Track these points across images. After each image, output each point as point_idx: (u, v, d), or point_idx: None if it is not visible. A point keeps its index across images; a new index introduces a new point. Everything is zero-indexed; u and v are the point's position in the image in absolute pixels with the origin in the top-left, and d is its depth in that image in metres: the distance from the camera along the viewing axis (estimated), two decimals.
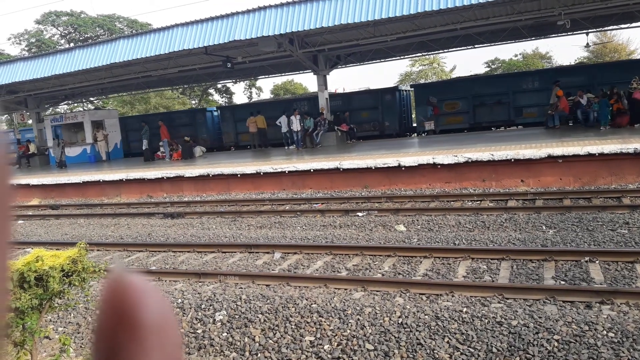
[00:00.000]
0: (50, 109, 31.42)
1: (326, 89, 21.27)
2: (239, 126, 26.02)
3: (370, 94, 25.06)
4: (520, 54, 44.55)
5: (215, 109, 30.12)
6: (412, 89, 25.67)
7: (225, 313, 5.68)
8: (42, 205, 16.61)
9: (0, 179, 0.23)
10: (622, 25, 19.99)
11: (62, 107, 36.80)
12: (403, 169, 12.71)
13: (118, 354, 0.23)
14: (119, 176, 16.42)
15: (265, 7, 14.60)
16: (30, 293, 4.61)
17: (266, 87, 73.16)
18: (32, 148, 26.65)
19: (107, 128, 25.51)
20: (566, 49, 54.15)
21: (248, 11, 14.81)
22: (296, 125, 20.16)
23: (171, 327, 0.24)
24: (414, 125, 25.24)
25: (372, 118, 23.70)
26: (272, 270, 7.32)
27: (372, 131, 23.40)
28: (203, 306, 5.88)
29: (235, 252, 8.42)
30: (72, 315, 6.13)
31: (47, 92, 24.72)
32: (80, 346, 5.69)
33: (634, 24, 19.19)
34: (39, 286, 4.67)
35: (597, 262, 6.24)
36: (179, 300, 6.07)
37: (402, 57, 24.50)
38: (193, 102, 47.33)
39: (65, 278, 4.89)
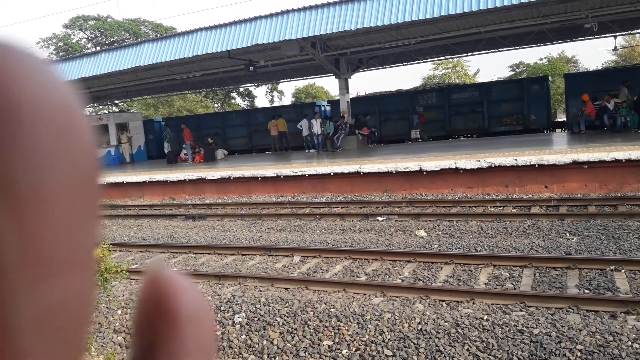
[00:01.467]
0: None
1: (348, 92, 21.27)
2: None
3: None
4: (545, 58, 43.91)
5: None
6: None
7: (244, 315, 5.71)
8: None
9: (90, 174, 0.25)
10: None
11: (88, 110, 37.54)
12: (424, 173, 12.61)
13: (157, 344, 0.24)
14: (142, 178, 16.66)
15: (287, 11, 14.69)
16: None
17: (288, 90, 73.48)
18: None
19: (131, 130, 25.92)
20: (593, 52, 53.15)
21: (271, 15, 14.91)
22: (317, 129, 20.26)
23: (206, 318, 0.25)
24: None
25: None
26: (291, 273, 7.33)
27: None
28: (222, 308, 5.92)
29: (255, 254, 8.46)
30: (94, 315, 6.23)
31: None
32: (102, 345, 5.78)
33: None
34: None
35: (622, 271, 6.09)
36: None
37: (425, 60, 24.34)
38: (216, 105, 47.83)
39: None
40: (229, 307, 5.91)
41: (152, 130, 28.23)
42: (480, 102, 22.39)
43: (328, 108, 25.33)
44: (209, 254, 8.83)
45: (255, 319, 5.62)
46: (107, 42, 40.87)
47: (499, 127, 22.07)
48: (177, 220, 12.62)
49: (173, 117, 33.71)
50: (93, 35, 41.99)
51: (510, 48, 20.77)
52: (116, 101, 33.54)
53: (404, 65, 23.99)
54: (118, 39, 40.61)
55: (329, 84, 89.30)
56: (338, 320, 5.29)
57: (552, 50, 46.03)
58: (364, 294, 6.09)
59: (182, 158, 22.86)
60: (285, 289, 6.56)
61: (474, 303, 5.49)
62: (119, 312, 6.20)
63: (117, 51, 18.09)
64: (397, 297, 5.91)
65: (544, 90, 21.91)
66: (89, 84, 22.54)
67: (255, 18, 15.13)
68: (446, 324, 4.94)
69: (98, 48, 37.75)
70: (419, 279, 6.54)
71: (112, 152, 25.36)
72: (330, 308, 5.55)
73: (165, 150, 23.68)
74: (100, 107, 37.44)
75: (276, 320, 5.52)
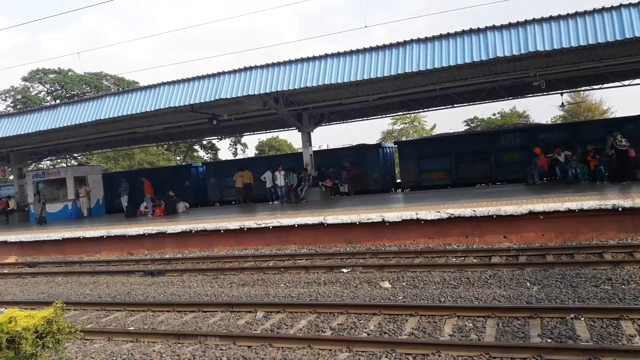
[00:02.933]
0: (33, 164, 31.21)
1: (310, 145, 21.57)
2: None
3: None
4: (498, 113, 45.97)
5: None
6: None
7: None
8: (19, 262, 16.17)
9: None
10: (595, 86, 20.85)
11: (45, 163, 36.63)
12: (387, 224, 12.73)
13: None
14: (99, 233, 16.16)
15: (251, 67, 14.98)
16: (1, 356, 4.41)
17: (251, 143, 73.98)
18: (12, 204, 26.26)
19: (90, 184, 25.34)
20: (542, 108, 56.05)
21: (234, 71, 15.18)
22: (280, 181, 20.37)
23: None
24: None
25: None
26: (255, 330, 7.14)
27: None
28: None
29: (216, 311, 8.21)
30: None
31: (30, 148, 24.66)
32: None
33: (605, 85, 20.04)
34: (11, 349, 4.48)
35: (582, 319, 6.20)
36: None
37: (383, 115, 25.12)
38: (178, 158, 47.50)
39: (38, 340, 4.71)
40: None
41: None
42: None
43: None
44: (168, 311, 8.52)
45: None
46: (67, 95, 40.49)
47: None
48: (135, 276, 12.19)
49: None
50: (53, 89, 41.56)
51: (464, 104, 21.68)
52: (75, 154, 32.88)
53: (364, 120, 24.64)
54: (79, 92, 40.31)
55: (292, 137, 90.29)
56: None
57: (504, 105, 48.24)
58: (330, 350, 5.96)
59: (141, 212, 22.36)
60: (248, 347, 6.36)
61: (439, 356, 5.45)
62: None
63: (77, 104, 17.88)
64: (363, 352, 5.81)
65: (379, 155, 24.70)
66: (47, 137, 22.10)
67: (219, 73, 15.35)
68: None
69: (58, 101, 37.32)
70: (385, 332, 6.47)
71: (70, 207, 24.61)
72: None
73: (123, 204, 23.17)
74: (59, 160, 36.57)
75: None
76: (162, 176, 27.91)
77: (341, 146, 32.36)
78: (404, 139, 44.76)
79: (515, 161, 21.31)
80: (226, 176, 25.84)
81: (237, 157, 43.35)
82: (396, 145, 26.50)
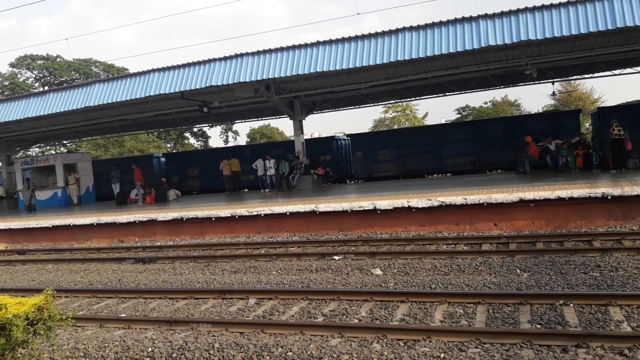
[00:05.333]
0: (21, 152, 30.87)
1: (302, 133, 21.52)
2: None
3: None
4: (490, 101, 46.11)
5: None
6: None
7: None
8: (9, 250, 16.06)
9: None
10: (586, 75, 20.95)
11: (34, 150, 36.26)
12: (379, 212, 12.77)
13: None
14: (90, 220, 16.07)
15: (242, 54, 14.87)
16: None
17: (243, 131, 73.63)
18: (1, 192, 26.02)
19: (80, 171, 25.14)
20: (534, 97, 56.26)
21: (225, 58, 15.05)
22: (270, 169, 20.30)
23: None
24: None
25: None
26: (247, 317, 7.15)
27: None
28: (174, 355, 5.68)
29: (208, 298, 8.22)
30: None
31: (18, 135, 24.37)
32: None
33: (596, 74, 20.13)
34: (1, 336, 4.46)
35: (571, 305, 6.28)
36: (149, 349, 5.86)
37: (375, 104, 25.09)
38: (168, 145, 47.21)
39: (29, 327, 4.69)
40: (181, 354, 5.67)
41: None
42: None
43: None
44: (159, 298, 8.51)
45: None
46: (55, 81, 39.98)
47: None
48: (126, 263, 12.16)
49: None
50: (41, 75, 41.00)
51: (456, 93, 21.70)
52: (64, 141, 32.55)
53: (355, 108, 24.61)
54: (67, 78, 39.81)
55: (283, 125, 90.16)
56: None
57: (496, 94, 48.47)
58: (322, 336, 5.99)
59: (132, 199, 22.25)
60: (240, 333, 6.37)
61: (430, 341, 5.50)
62: None
63: (66, 91, 17.67)
64: (354, 337, 5.84)
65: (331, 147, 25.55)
66: (36, 124, 21.84)
67: (210, 60, 15.22)
68: None
69: (46, 88, 36.85)
70: (376, 319, 6.51)
71: (59, 194, 24.42)
72: (287, 352, 5.43)
73: (115, 191, 23.03)
74: (48, 147, 36.21)
75: None
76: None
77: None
78: (395, 127, 44.80)
79: (460, 153, 23.10)
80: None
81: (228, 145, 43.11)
82: (349, 138, 27.12)
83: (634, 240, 9.83)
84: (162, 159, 29.31)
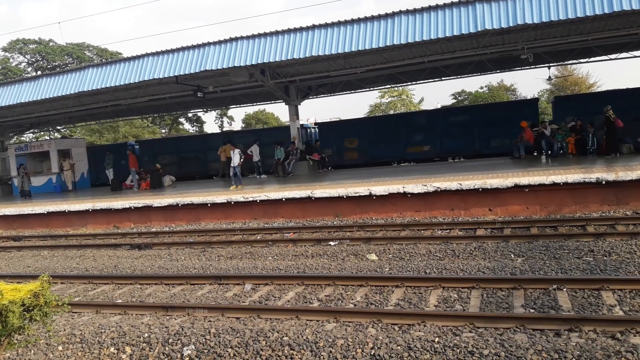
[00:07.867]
0: (15, 137, 30.65)
1: (298, 118, 21.44)
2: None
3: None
4: (486, 86, 45.99)
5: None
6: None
7: (193, 347, 5.53)
8: (4, 236, 16.03)
9: None
10: (582, 60, 20.87)
11: (28, 136, 35.98)
12: (374, 197, 12.79)
13: None
14: (85, 206, 16.03)
15: (237, 38, 14.73)
16: None
17: (238, 116, 73.28)
18: None
19: (74, 157, 25.00)
20: (530, 82, 56.15)
21: (220, 42, 14.89)
22: (234, 159, 17.74)
23: None
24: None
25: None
26: (243, 302, 7.19)
27: None
28: (170, 340, 5.71)
29: (204, 284, 8.24)
30: (32, 352, 5.85)
31: (12, 120, 24.18)
32: None
33: (592, 59, 20.06)
34: None
35: (564, 289, 6.34)
36: (146, 335, 5.88)
37: (371, 88, 24.98)
38: (163, 130, 46.97)
39: (25, 313, 4.70)
40: (178, 340, 5.71)
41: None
42: None
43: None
44: (155, 284, 8.53)
45: (205, 351, 5.45)
46: (48, 66, 39.57)
47: None
48: (122, 249, 12.17)
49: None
50: (34, 59, 40.56)
51: (452, 77, 21.62)
52: (58, 127, 32.32)
53: (351, 93, 24.50)
54: (60, 63, 39.39)
55: (279, 110, 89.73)
56: (291, 349, 5.21)
57: (492, 79, 48.36)
58: (317, 321, 6.03)
59: (127, 185, 22.19)
60: (237, 318, 6.41)
61: (425, 326, 5.55)
62: (60, 348, 5.86)
63: (59, 76, 17.49)
64: (350, 322, 5.89)
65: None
66: (29, 110, 21.66)
67: (204, 44, 15.07)
68: (399, 347, 4.95)
69: (39, 72, 36.48)
70: (371, 303, 6.56)
71: (54, 180, 24.31)
72: (283, 336, 5.46)
73: (109, 177, 22.96)
74: (42, 133, 35.96)
75: (227, 351, 5.37)
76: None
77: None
78: (391, 112, 44.67)
79: (422, 141, 23.93)
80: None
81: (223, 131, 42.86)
82: (317, 127, 27.55)
83: (627, 225, 9.90)
84: (137, 147, 29.62)
